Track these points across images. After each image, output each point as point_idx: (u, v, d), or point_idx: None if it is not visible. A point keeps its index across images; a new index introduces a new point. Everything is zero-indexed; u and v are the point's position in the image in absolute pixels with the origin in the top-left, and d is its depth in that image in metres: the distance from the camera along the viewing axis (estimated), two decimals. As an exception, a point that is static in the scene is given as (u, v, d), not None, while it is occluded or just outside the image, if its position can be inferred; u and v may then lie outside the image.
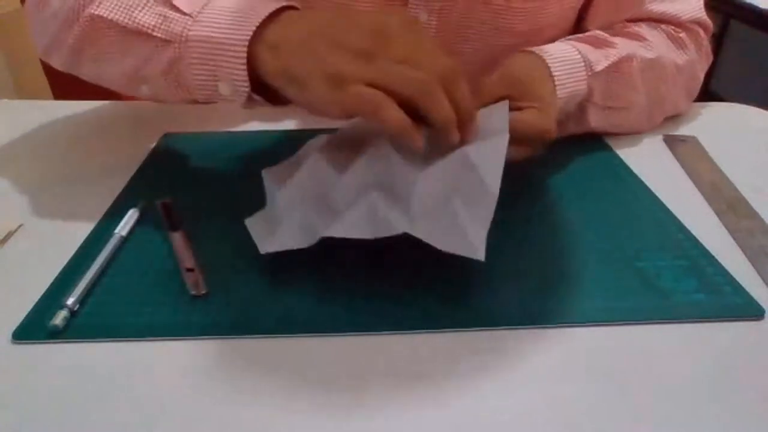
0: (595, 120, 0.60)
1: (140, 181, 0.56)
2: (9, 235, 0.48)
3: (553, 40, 0.66)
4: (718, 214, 0.51)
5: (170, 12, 0.47)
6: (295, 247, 0.42)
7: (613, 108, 0.60)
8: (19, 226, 0.50)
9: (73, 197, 0.54)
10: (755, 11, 1.79)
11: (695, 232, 0.48)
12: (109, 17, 0.49)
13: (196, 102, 0.51)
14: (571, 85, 0.55)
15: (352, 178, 0.44)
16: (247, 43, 0.44)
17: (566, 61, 0.55)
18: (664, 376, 0.36)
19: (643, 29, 0.63)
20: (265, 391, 0.35)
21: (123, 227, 0.48)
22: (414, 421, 0.33)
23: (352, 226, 0.41)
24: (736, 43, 2.28)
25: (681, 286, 0.42)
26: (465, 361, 0.37)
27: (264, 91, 0.47)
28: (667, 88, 0.64)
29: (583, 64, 0.56)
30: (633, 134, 0.65)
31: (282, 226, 0.44)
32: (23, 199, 0.54)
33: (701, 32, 0.67)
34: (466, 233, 0.39)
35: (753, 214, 0.50)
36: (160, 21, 0.47)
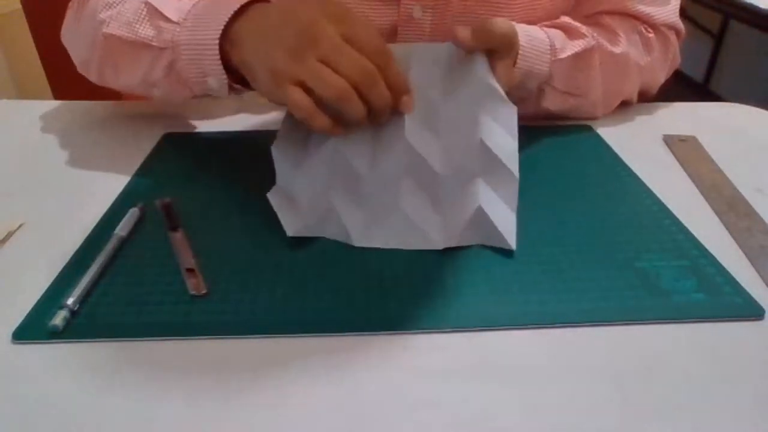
0: (552, 103, 0.64)
1: (140, 181, 0.56)
2: (9, 234, 0.48)
3: None
4: (718, 214, 0.51)
5: (162, 23, 0.54)
6: (324, 236, 0.46)
7: (570, 94, 0.63)
8: (20, 225, 0.50)
9: (73, 197, 0.54)
10: (755, 11, 1.79)
11: (695, 232, 0.48)
12: (117, 34, 0.56)
13: (197, 97, 0.58)
14: (532, 61, 0.57)
15: (377, 168, 0.47)
16: (217, 42, 0.51)
17: (534, 38, 0.57)
18: (664, 376, 0.36)
19: (616, 22, 0.65)
20: (265, 391, 0.35)
21: (123, 227, 0.48)
22: (413, 421, 0.33)
23: (389, 237, 0.46)
24: (736, 43, 2.28)
25: (681, 286, 0.42)
26: (463, 361, 0.37)
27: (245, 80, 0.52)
28: (625, 83, 0.67)
29: (549, 47, 0.58)
30: (586, 119, 0.67)
31: (309, 211, 0.47)
32: (23, 199, 0.54)
33: (672, 37, 0.68)
34: (496, 227, 0.45)
35: (753, 214, 0.50)
36: (155, 32, 0.54)
